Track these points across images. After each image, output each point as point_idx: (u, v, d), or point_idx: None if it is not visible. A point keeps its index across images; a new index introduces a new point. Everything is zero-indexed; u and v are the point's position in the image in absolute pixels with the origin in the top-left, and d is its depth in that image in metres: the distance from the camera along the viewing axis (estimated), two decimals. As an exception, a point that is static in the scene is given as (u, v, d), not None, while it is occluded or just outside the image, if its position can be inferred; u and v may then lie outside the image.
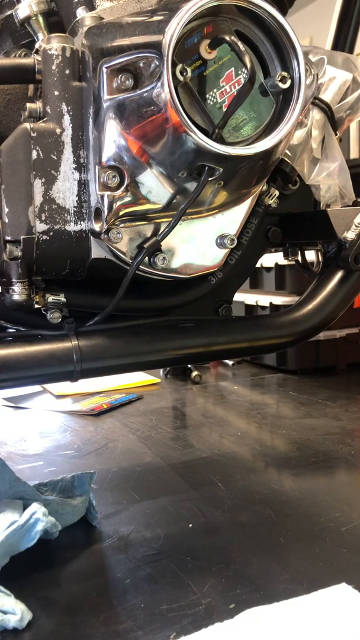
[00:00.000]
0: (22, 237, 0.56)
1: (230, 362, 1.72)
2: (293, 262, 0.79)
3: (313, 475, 0.85)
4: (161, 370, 1.58)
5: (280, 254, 0.80)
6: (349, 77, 0.72)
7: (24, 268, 0.58)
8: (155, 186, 0.54)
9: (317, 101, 0.70)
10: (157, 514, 0.73)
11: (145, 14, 0.55)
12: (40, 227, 0.56)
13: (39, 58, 0.56)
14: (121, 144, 0.53)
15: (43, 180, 0.56)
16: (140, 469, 0.89)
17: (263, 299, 1.61)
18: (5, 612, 0.52)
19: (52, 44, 0.56)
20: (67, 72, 0.56)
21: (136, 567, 0.61)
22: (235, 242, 0.63)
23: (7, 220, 0.55)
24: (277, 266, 1.59)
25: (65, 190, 0.57)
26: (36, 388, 1.44)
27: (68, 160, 0.56)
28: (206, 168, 0.50)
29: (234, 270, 0.69)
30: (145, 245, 0.57)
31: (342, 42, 1.06)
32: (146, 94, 0.49)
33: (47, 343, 0.60)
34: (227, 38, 0.49)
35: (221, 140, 0.50)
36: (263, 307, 1.62)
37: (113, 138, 0.53)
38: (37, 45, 0.62)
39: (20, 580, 0.58)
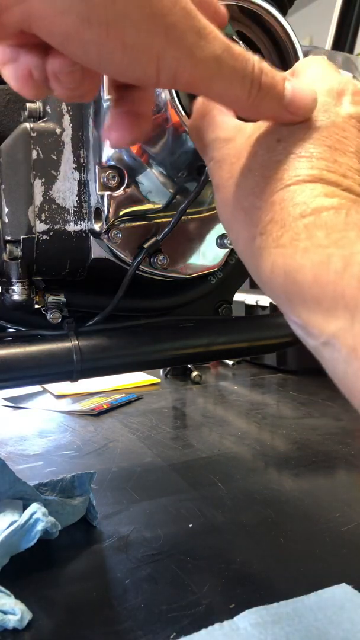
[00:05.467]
0: (22, 237, 0.56)
1: (230, 362, 1.72)
2: (293, 262, 0.79)
3: (313, 475, 0.85)
4: (161, 370, 1.58)
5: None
6: (349, 77, 0.72)
7: (24, 268, 0.58)
8: (155, 186, 0.54)
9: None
10: (157, 514, 0.73)
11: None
12: (40, 227, 0.56)
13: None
14: (121, 144, 0.53)
15: (43, 180, 0.56)
16: (140, 469, 0.89)
17: (263, 299, 1.61)
18: (5, 612, 0.52)
19: (52, 44, 0.55)
20: (67, 72, 0.55)
21: (136, 567, 0.61)
22: (235, 242, 0.63)
23: (7, 220, 0.55)
24: (277, 266, 1.58)
25: (65, 190, 0.57)
26: (36, 388, 1.44)
27: (68, 160, 0.56)
28: (206, 168, 0.50)
29: (234, 270, 0.69)
30: (145, 245, 0.57)
31: (342, 42, 1.06)
32: (146, 94, 0.49)
33: (47, 343, 0.60)
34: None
35: (221, 140, 0.50)
36: (263, 307, 1.62)
37: (113, 138, 0.53)
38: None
39: (20, 580, 0.58)
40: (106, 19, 0.24)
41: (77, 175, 0.57)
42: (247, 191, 0.30)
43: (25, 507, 0.63)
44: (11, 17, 0.24)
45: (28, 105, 0.57)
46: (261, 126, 0.32)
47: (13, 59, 0.27)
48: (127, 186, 0.54)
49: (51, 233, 0.57)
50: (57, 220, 0.57)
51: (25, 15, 0.24)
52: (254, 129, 0.32)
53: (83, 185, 0.57)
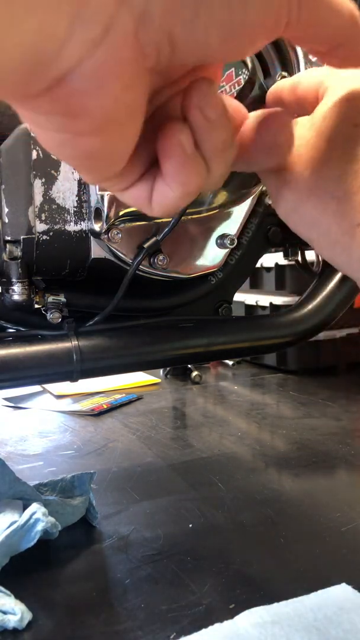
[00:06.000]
0: (22, 237, 0.56)
1: (230, 362, 1.72)
2: (293, 262, 0.79)
3: (313, 475, 0.85)
4: (161, 370, 1.58)
5: (280, 254, 0.80)
6: None
7: (24, 268, 0.58)
8: (155, 186, 0.54)
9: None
10: (157, 514, 0.73)
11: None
12: (40, 227, 0.56)
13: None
14: (121, 144, 0.52)
15: (43, 180, 0.56)
16: (140, 469, 0.89)
17: (263, 299, 1.61)
18: (5, 612, 0.52)
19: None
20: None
21: (136, 567, 0.61)
22: (236, 242, 0.63)
23: (7, 220, 0.55)
24: (277, 266, 1.59)
25: (65, 190, 0.57)
26: (36, 388, 1.44)
27: (68, 160, 0.56)
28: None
29: (234, 270, 0.69)
30: (145, 245, 0.57)
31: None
32: (146, 94, 0.49)
33: (47, 343, 0.60)
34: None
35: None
36: (263, 307, 1.62)
37: (113, 138, 0.53)
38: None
39: (20, 580, 0.58)
40: None
41: (77, 175, 0.57)
42: (337, 180, 0.29)
43: (25, 507, 0.63)
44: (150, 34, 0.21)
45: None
46: (323, 117, 0.31)
47: (154, 159, 0.26)
48: (127, 186, 0.54)
49: (51, 233, 0.57)
50: (57, 220, 0.57)
51: (162, 21, 0.21)
52: (314, 120, 0.32)
53: (83, 185, 0.57)
